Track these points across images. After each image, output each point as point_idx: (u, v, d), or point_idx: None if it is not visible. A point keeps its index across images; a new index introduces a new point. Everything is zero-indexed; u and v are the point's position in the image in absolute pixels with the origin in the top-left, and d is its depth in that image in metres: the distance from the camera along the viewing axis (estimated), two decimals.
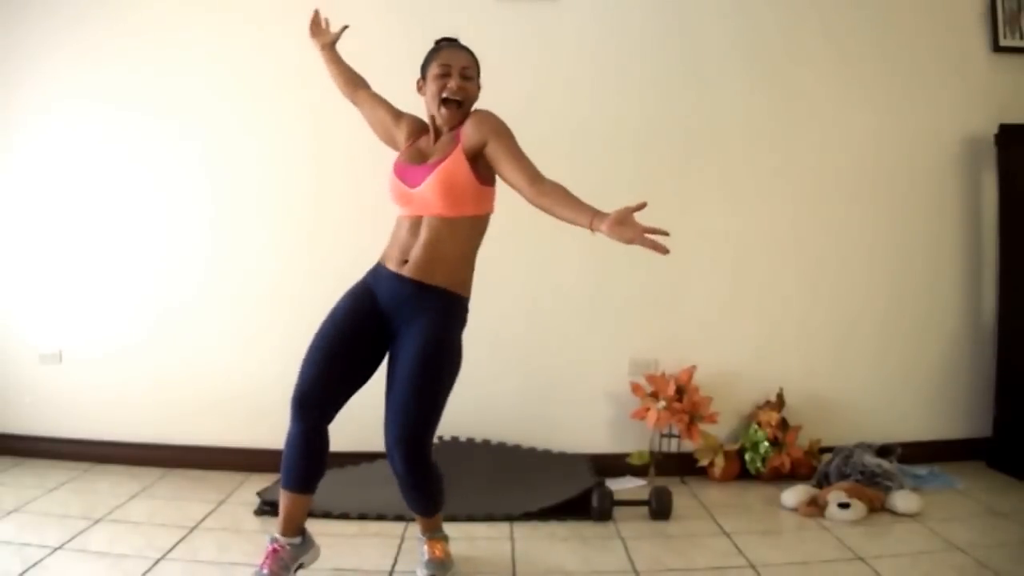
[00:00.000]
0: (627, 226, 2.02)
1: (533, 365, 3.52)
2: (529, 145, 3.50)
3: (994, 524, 2.92)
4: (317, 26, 2.70)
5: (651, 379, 3.44)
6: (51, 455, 3.52)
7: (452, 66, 2.29)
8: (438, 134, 2.37)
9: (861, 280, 3.62)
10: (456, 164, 2.25)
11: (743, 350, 3.56)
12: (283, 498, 2.34)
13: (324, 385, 2.28)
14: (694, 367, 3.44)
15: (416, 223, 2.31)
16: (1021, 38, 3.62)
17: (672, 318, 3.56)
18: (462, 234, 2.33)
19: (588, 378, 3.53)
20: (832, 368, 3.60)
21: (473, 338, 3.44)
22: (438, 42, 2.42)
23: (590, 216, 2.11)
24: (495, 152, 2.25)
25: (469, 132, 2.27)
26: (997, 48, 3.61)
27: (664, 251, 1.99)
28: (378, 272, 2.39)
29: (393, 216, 2.41)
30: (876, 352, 3.62)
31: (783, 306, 3.59)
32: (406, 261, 2.31)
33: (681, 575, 2.53)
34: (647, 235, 1.99)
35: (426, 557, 2.47)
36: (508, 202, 3.47)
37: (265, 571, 2.29)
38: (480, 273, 3.44)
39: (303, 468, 2.31)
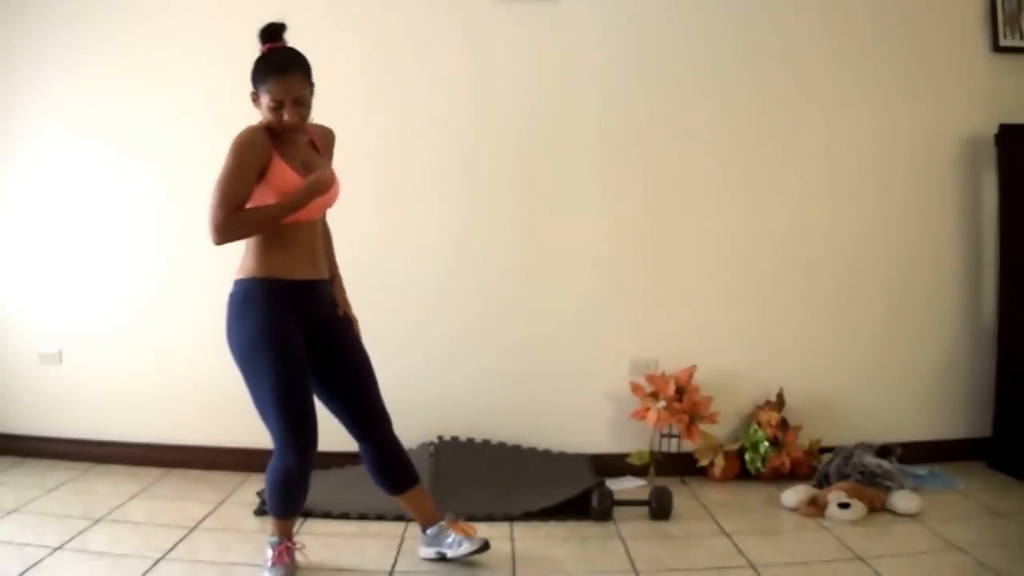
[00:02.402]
0: None
1: (533, 365, 3.52)
2: (531, 144, 3.54)
3: (994, 524, 2.92)
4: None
5: (651, 379, 3.44)
6: (51, 455, 3.52)
7: (284, 100, 2.22)
8: (293, 139, 2.33)
9: (861, 280, 3.61)
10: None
11: (743, 350, 3.56)
12: (288, 522, 2.46)
13: (315, 423, 2.32)
14: (694, 367, 3.44)
15: (311, 226, 2.36)
16: (1021, 38, 3.62)
17: (672, 318, 3.56)
18: None
19: (588, 378, 3.52)
20: (832, 368, 3.60)
21: (474, 339, 3.48)
22: (265, 56, 2.25)
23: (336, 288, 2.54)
24: None
25: (326, 148, 2.48)
26: (997, 48, 3.60)
27: None
28: (288, 290, 2.30)
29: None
30: (876, 352, 3.62)
31: (783, 306, 3.59)
32: (313, 264, 2.36)
33: (681, 575, 2.54)
34: None
35: (461, 536, 2.52)
36: (510, 205, 3.50)
37: (287, 560, 2.40)
38: (482, 273, 3.48)
39: (307, 492, 2.43)
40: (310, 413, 2.30)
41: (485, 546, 2.51)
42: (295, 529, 2.54)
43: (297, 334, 2.30)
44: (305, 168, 2.31)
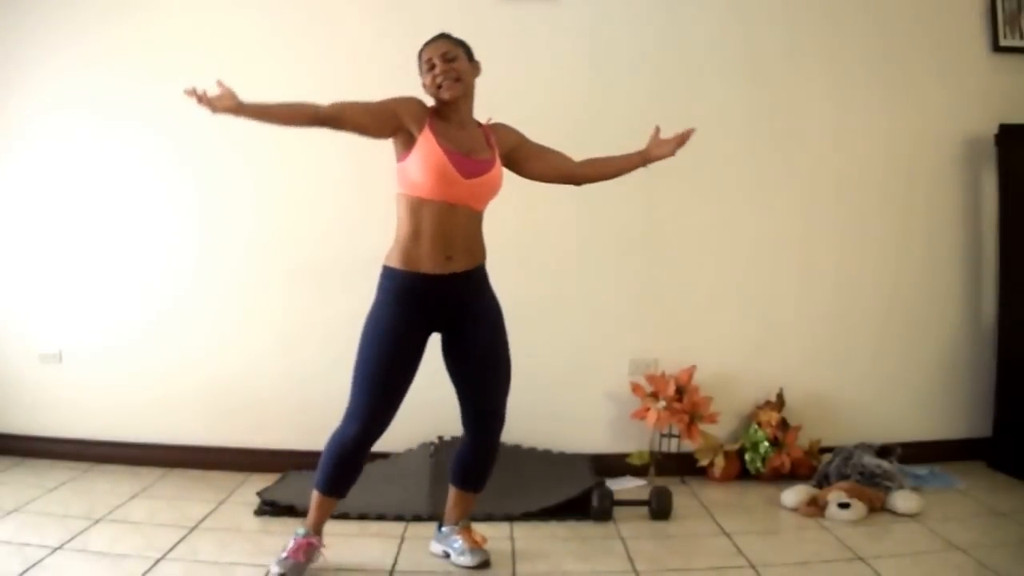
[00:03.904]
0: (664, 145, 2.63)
1: (533, 365, 3.50)
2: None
3: (994, 524, 2.92)
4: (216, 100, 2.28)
5: (651, 379, 3.44)
6: (51, 455, 3.52)
7: (433, 57, 2.39)
8: (461, 126, 2.42)
9: (861, 280, 3.62)
10: (500, 166, 2.46)
11: (743, 350, 3.56)
12: (327, 503, 2.46)
13: (393, 412, 2.39)
14: (694, 367, 3.44)
15: (450, 211, 2.36)
16: (1021, 38, 3.62)
17: (672, 318, 3.56)
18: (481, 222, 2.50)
19: (588, 378, 3.53)
20: (832, 368, 3.60)
21: None
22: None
23: (638, 158, 2.65)
24: (528, 151, 2.56)
25: (503, 139, 2.50)
26: (997, 48, 3.60)
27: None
28: (413, 283, 2.37)
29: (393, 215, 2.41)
30: (876, 352, 3.62)
31: (783, 306, 3.59)
32: (449, 257, 2.37)
33: (681, 575, 2.54)
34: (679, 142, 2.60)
35: (467, 546, 2.56)
36: (510, 204, 3.49)
37: (301, 558, 2.40)
38: None
39: (355, 475, 2.45)
40: (389, 402, 2.36)
41: (484, 564, 2.54)
42: (320, 528, 2.50)
43: (417, 326, 2.40)
44: (458, 151, 2.34)
